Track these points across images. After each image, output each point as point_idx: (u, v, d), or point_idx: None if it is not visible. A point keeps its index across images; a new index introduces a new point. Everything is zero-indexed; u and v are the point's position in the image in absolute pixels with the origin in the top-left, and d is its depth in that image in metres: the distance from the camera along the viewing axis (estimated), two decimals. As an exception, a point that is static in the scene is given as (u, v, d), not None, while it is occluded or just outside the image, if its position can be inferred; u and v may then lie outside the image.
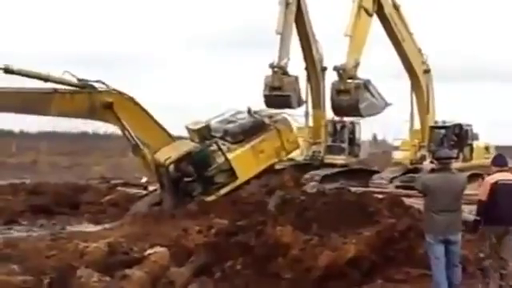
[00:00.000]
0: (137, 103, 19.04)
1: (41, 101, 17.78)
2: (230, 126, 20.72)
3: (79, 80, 18.19)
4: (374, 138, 63.04)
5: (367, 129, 35.18)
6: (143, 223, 16.98)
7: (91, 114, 18.60)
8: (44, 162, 52.36)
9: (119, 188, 27.52)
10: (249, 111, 21.38)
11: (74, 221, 20.96)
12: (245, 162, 19.94)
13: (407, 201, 17.65)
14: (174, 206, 18.41)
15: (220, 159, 19.53)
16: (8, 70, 17.00)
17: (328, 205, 15.44)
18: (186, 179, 18.95)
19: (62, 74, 17.97)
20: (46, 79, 17.73)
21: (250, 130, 20.67)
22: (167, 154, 18.76)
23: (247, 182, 19.80)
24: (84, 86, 18.27)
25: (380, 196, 18.10)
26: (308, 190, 19.66)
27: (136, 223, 17.23)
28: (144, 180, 29.85)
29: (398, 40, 30.48)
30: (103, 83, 18.63)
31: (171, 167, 18.83)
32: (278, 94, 29.14)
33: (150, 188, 25.36)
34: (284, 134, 21.32)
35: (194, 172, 18.96)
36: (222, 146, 19.68)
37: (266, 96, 29.41)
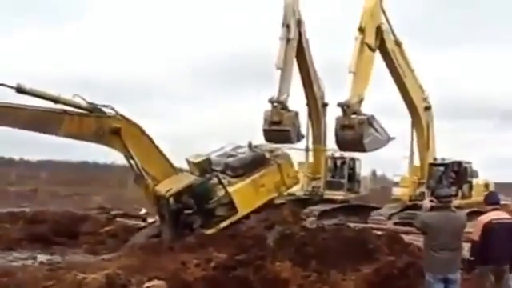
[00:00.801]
0: (144, 132, 19.09)
1: (50, 120, 17.89)
2: (231, 159, 20.77)
3: (89, 103, 18.27)
4: (373, 173, 63.13)
5: (366, 164, 35.18)
6: (141, 255, 16.89)
7: (98, 138, 18.64)
8: (44, 190, 52.33)
9: (118, 219, 27.43)
10: (249, 145, 21.45)
11: (72, 251, 20.83)
12: (245, 195, 19.95)
13: (406, 238, 17.67)
14: (173, 238, 18.36)
15: (220, 192, 19.55)
16: (20, 90, 17.14)
17: (327, 241, 15.47)
18: (186, 212, 18.93)
19: (73, 97, 18.08)
20: (56, 100, 17.84)
21: (251, 164, 20.71)
22: (168, 186, 18.77)
23: (247, 216, 19.79)
24: (93, 110, 18.35)
25: (379, 232, 18.13)
26: (307, 225, 19.65)
27: (134, 255, 17.14)
28: (143, 211, 29.81)
29: (400, 76, 30.63)
30: (112, 109, 18.70)
31: (171, 199, 18.83)
32: (278, 129, 29.21)
33: (149, 220, 25.32)
34: (284, 168, 21.36)
35: (195, 205, 18.94)
36: (223, 180, 19.70)
37: (265, 130, 29.49)
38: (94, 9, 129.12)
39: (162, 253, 16.81)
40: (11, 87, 17.07)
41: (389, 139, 29.53)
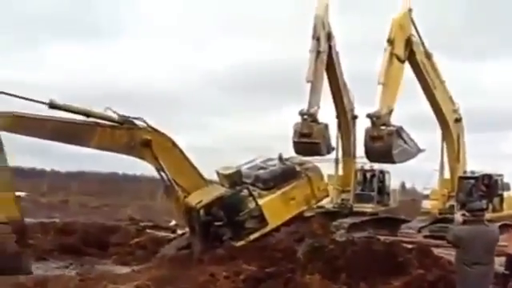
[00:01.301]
0: (175, 144, 19.16)
1: (83, 132, 18.12)
2: (261, 172, 20.76)
3: (120, 116, 18.44)
4: (403, 185, 62.67)
5: (396, 176, 35.03)
6: (171, 267, 16.94)
7: (129, 150, 18.77)
8: (74, 201, 52.81)
9: (148, 230, 27.59)
10: (280, 158, 21.43)
11: (102, 262, 20.98)
12: (275, 208, 19.92)
13: (436, 251, 17.53)
14: (203, 250, 18.38)
15: (251, 204, 19.53)
16: (53, 105, 17.42)
17: (357, 254, 15.36)
18: (216, 223, 18.94)
19: (104, 110, 18.28)
20: (88, 114, 18.06)
21: (281, 177, 20.68)
22: (198, 198, 18.79)
23: (277, 229, 19.76)
24: (124, 122, 18.51)
25: (409, 246, 17.98)
26: (337, 238, 19.57)
27: (164, 267, 17.19)
28: (173, 223, 29.94)
29: (430, 87, 30.53)
30: (143, 121, 18.83)
31: (202, 211, 18.87)
32: (308, 141, 29.21)
33: (179, 231, 25.41)
34: (315, 181, 21.29)
35: (225, 217, 18.94)
36: (253, 192, 19.70)
37: (295, 143, 29.50)
38: (125, 26, 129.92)
39: (191, 265, 16.83)
40: (44, 103, 17.35)
41: (418, 151, 29.44)
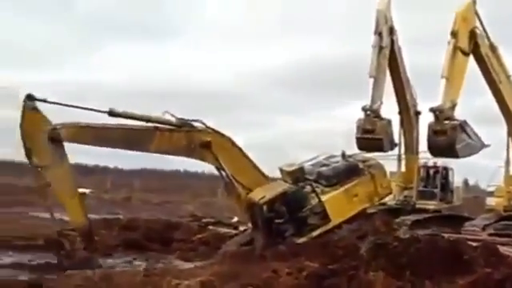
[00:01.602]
0: (234, 143, 19.32)
1: (142, 137, 18.45)
2: (324, 168, 20.73)
3: (178, 119, 18.65)
4: (466, 182, 61.56)
5: (459, 173, 34.51)
6: (233, 263, 17.03)
7: (189, 152, 19.00)
8: (137, 198, 53.58)
9: (210, 227, 27.80)
10: (343, 155, 21.36)
11: (166, 257, 21.23)
12: (338, 204, 19.87)
13: (502, 249, 17.19)
14: (265, 246, 18.44)
15: (313, 201, 19.52)
16: (112, 113, 17.76)
17: (421, 251, 15.15)
18: (279, 219, 18.98)
19: (163, 114, 18.52)
20: (147, 120, 18.39)
21: (344, 174, 20.61)
22: (261, 194, 18.88)
23: (339, 226, 19.69)
24: (183, 125, 18.71)
25: (474, 244, 17.67)
26: (401, 235, 19.35)
27: (226, 262, 17.31)
28: (235, 220, 30.09)
29: (495, 82, 29.97)
30: (202, 123, 19.01)
31: (265, 207, 18.93)
32: (371, 137, 29.00)
33: (241, 228, 25.53)
34: (378, 178, 21.16)
35: (287, 213, 18.98)
36: (316, 189, 19.67)
37: (357, 139, 29.33)
38: (186, 25, 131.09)
39: (253, 261, 16.90)
40: (104, 112, 17.69)
41: (482, 146, 28.94)
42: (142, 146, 18.79)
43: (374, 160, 22.27)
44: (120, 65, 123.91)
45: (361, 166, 21.07)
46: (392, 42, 30.24)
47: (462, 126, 27.63)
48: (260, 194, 18.84)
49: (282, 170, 20.37)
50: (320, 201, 19.49)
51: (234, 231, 25.46)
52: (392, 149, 30.91)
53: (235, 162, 19.16)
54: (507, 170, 31.77)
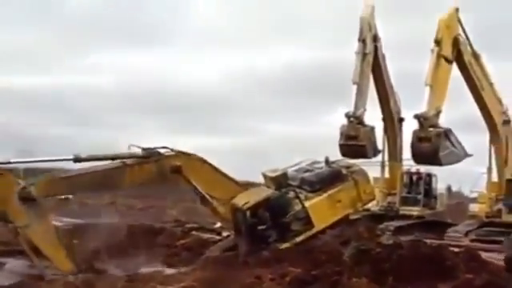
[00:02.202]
0: (204, 161, 19.49)
1: (114, 177, 18.48)
2: (307, 174, 20.73)
3: (144, 150, 18.69)
4: (449, 188, 61.83)
5: (442, 179, 34.76)
6: (216, 268, 17.01)
7: (162, 179, 19.18)
8: (121, 203, 53.25)
9: (193, 232, 27.73)
10: (326, 161, 21.38)
11: (148, 263, 21.15)
12: (321, 210, 19.88)
13: (484, 255, 17.31)
14: (248, 251, 18.44)
15: (297, 207, 19.53)
16: (78, 160, 17.80)
17: (404, 257, 15.23)
18: (262, 225, 18.97)
19: (128, 148, 18.57)
20: (113, 158, 18.43)
21: (328, 180, 20.63)
22: (245, 200, 18.92)
23: (322, 232, 19.70)
24: (150, 155, 18.75)
25: (456, 250, 17.80)
26: (384, 241, 19.41)
27: (209, 268, 17.29)
28: (218, 225, 30.01)
29: (477, 89, 30.23)
30: (168, 148, 19.09)
31: (248, 212, 18.93)
32: (354, 144, 29.12)
33: (224, 234, 25.47)
34: (361, 184, 21.19)
35: (271, 218, 18.99)
36: (300, 194, 19.69)
37: (341, 145, 29.46)
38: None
39: (236, 267, 16.89)
40: (68, 160, 17.76)
41: (466, 155, 29.15)
42: (115, 186, 19.04)
43: (357, 166, 22.31)
44: (107, 69, 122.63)
45: (344, 171, 21.09)
46: (376, 49, 30.44)
47: (447, 134, 27.85)
48: (243, 200, 18.86)
49: (265, 176, 20.38)
50: (303, 206, 19.49)
51: (217, 237, 25.38)
52: (375, 155, 31.09)
53: (208, 179, 19.34)
54: (490, 177, 32.00)
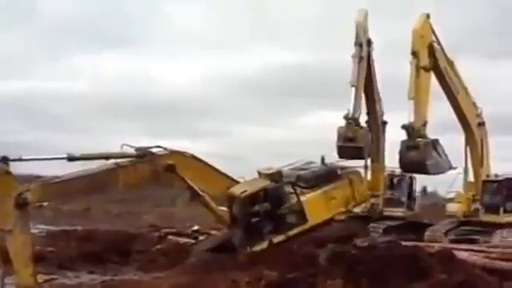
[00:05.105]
0: (196, 158, 19.28)
1: (106, 179, 18.16)
2: (303, 172, 20.78)
3: (137, 149, 18.50)
4: (424, 190, 62.40)
5: (418, 181, 35.21)
6: (192, 273, 16.96)
7: (156, 179, 18.87)
8: (96, 209, 52.98)
9: (169, 237, 27.64)
10: (322, 160, 21.47)
11: (125, 269, 21.04)
12: (316, 206, 19.88)
13: (462, 255, 17.43)
14: (243, 242, 18.44)
15: (293, 200, 19.55)
16: (71, 159, 17.51)
17: (379, 258, 15.28)
18: (258, 215, 18.91)
19: (121, 148, 18.34)
20: (107, 157, 18.12)
21: (323, 177, 20.68)
22: (243, 188, 18.92)
23: (313, 230, 19.74)
24: (143, 155, 18.58)
25: (432, 250, 17.89)
26: (358, 243, 19.48)
27: (185, 273, 17.23)
28: (195, 228, 29.98)
29: (453, 93, 30.89)
30: (162, 147, 18.92)
31: (245, 201, 18.86)
32: (352, 146, 29.35)
33: (200, 237, 25.44)
34: (355, 184, 21.30)
35: (267, 208, 18.97)
36: (296, 188, 19.74)
37: (339, 147, 29.62)
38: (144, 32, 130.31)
39: (212, 271, 16.83)
40: (62, 158, 17.45)
41: (450, 167, 29.82)
42: (109, 187, 18.58)
43: (351, 168, 22.54)
44: (83, 73, 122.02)
45: (339, 171, 21.27)
46: (368, 54, 30.80)
47: (434, 144, 28.51)
48: (241, 189, 18.85)
49: (260, 173, 20.36)
50: (299, 200, 19.49)
51: (193, 241, 25.29)
52: (369, 157, 31.37)
53: (202, 176, 19.12)
54: (466, 177, 32.41)
